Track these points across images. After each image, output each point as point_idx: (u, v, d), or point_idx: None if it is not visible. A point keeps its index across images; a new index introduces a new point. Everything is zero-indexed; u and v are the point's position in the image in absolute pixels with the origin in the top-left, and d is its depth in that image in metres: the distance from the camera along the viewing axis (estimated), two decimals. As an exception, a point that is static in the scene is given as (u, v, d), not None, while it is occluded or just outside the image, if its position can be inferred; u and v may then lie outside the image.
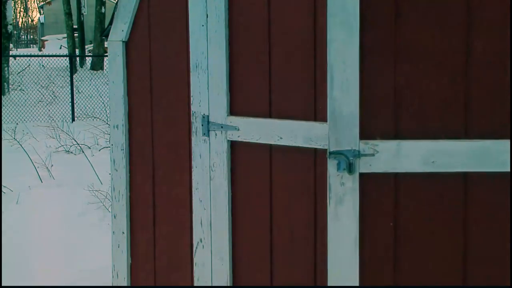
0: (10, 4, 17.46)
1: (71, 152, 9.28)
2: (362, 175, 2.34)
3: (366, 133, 2.33)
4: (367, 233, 2.37)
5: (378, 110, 2.33)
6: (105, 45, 23.86)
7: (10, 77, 17.69)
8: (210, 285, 3.00)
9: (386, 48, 2.32)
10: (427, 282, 2.37)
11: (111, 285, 3.41)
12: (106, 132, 9.88)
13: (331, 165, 2.35)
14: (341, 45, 2.31)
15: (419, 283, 2.37)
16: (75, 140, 9.41)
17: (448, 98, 2.31)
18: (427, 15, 2.30)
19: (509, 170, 2.27)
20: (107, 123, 10.69)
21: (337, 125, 2.35)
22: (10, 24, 17.43)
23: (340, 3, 2.31)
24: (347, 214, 2.37)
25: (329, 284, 2.47)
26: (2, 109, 13.49)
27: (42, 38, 49.69)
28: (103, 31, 21.98)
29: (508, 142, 2.27)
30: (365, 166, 2.34)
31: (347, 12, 2.30)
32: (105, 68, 23.69)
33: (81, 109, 14.11)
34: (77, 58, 25.46)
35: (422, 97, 2.31)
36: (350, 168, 2.33)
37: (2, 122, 11.85)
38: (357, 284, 2.38)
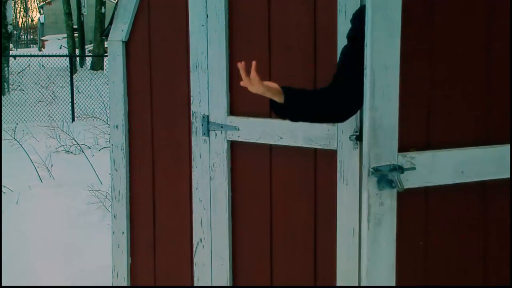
0: (10, 4, 17.45)
1: (71, 152, 9.28)
2: (399, 192, 2.13)
3: (402, 145, 2.12)
4: (400, 254, 2.19)
5: (411, 119, 2.17)
6: (105, 45, 23.85)
7: (10, 77, 17.68)
8: (210, 285, 3.00)
9: (418, 53, 2.20)
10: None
11: (111, 285, 3.41)
12: (106, 132, 9.87)
13: (372, 184, 2.08)
14: (383, 47, 2.06)
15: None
16: (75, 140, 9.41)
17: (471, 105, 2.26)
18: (456, 21, 2.24)
19: (509, 176, 2.26)
20: (107, 123, 10.68)
21: (378, 138, 2.08)
22: (10, 24, 17.42)
23: (384, 3, 2.07)
24: (385, 237, 2.13)
25: None
26: (2, 109, 13.49)
27: (42, 38, 49.66)
28: (103, 31, 21.96)
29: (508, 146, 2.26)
30: (403, 181, 2.11)
31: (390, 8, 2.05)
32: (105, 68, 23.68)
33: (81, 109, 14.10)
34: (77, 58, 25.44)
35: (450, 103, 2.23)
36: (391, 185, 2.09)
37: (2, 122, 11.85)
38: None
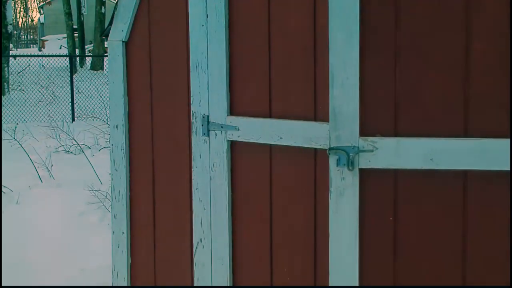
0: (10, 4, 17.46)
1: (71, 152, 9.29)
2: (362, 171, 2.40)
3: (366, 131, 2.38)
4: (368, 226, 2.43)
5: (379, 108, 2.38)
6: (105, 45, 23.87)
7: (10, 77, 17.69)
8: (210, 285, 3.00)
9: (387, 48, 2.36)
10: (426, 275, 2.40)
11: (111, 285, 3.41)
12: (106, 132, 9.88)
13: (332, 161, 2.41)
14: (341, 45, 2.36)
15: (418, 276, 2.41)
16: (75, 140, 9.41)
17: (447, 97, 2.34)
18: (426, 16, 2.33)
19: (508, 168, 2.29)
20: (107, 123, 10.69)
21: (338, 122, 2.41)
22: (10, 24, 17.43)
23: (341, 5, 2.35)
24: (348, 208, 2.43)
25: (330, 273, 2.53)
26: (2, 109, 13.50)
27: (42, 38, 49.69)
28: (103, 31, 21.97)
29: (507, 141, 2.28)
30: (365, 162, 2.39)
31: (347, 13, 2.35)
32: (105, 68, 23.70)
33: (81, 109, 14.11)
34: (77, 58, 25.46)
35: (422, 96, 2.35)
36: (350, 164, 2.37)
37: (2, 122, 11.85)
38: (357, 274, 2.46)
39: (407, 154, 2.36)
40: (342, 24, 2.36)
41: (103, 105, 13.89)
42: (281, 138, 2.73)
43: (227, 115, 2.88)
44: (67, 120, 13.12)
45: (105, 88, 14.88)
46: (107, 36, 3.42)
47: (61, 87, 16.81)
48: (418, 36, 2.34)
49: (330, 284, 2.56)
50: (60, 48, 37.58)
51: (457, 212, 2.37)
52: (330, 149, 2.40)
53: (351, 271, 2.47)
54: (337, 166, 2.39)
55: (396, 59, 2.35)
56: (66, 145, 9.50)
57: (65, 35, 30.87)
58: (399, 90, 2.36)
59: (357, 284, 2.50)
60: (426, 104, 2.35)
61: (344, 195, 2.44)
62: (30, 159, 7.90)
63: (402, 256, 2.42)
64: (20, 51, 47.05)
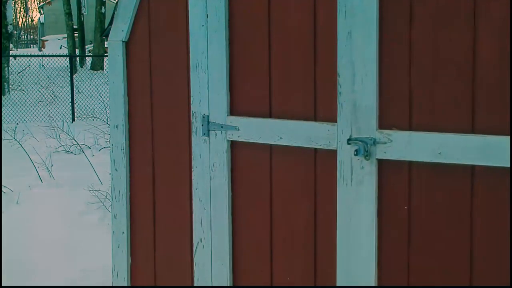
0: (10, 4, 17.47)
1: (71, 152, 9.29)
2: (379, 161, 2.55)
3: (383, 124, 2.54)
4: (385, 213, 2.57)
5: (394, 104, 2.52)
6: (105, 45, 23.87)
7: (10, 77, 17.69)
8: (210, 285, 3.01)
9: (401, 47, 2.49)
10: (437, 260, 2.50)
11: (111, 285, 3.41)
12: (106, 132, 9.88)
13: (351, 151, 2.58)
14: (361, 45, 2.52)
15: (430, 261, 2.52)
16: (75, 140, 9.42)
17: (456, 95, 2.42)
18: (437, 18, 2.43)
19: (508, 165, 2.33)
20: (107, 123, 10.69)
21: (357, 116, 2.56)
22: (10, 24, 17.43)
23: (361, 6, 2.51)
24: (366, 194, 2.58)
25: (349, 256, 2.63)
26: (2, 109, 13.50)
27: (42, 38, 49.70)
28: (103, 31, 21.97)
29: (507, 138, 2.32)
30: (381, 153, 2.54)
31: (367, 13, 2.51)
32: (105, 68, 23.70)
33: (81, 109, 14.12)
34: (77, 58, 25.46)
35: (433, 94, 2.46)
36: (367, 154, 2.53)
37: (2, 122, 11.86)
38: (375, 254, 2.59)
39: (417, 147, 2.48)
40: (362, 23, 2.52)
41: (103, 105, 13.89)
42: (281, 138, 2.73)
43: (227, 115, 2.88)
44: (67, 120, 13.13)
45: (105, 88, 14.89)
46: (107, 36, 3.43)
47: (61, 87, 16.81)
48: (430, 36, 2.44)
49: (346, 268, 2.64)
50: (60, 48, 37.59)
51: (464, 204, 2.45)
52: (349, 139, 2.56)
53: (370, 250, 2.58)
54: (355, 155, 2.55)
55: (410, 58, 2.48)
56: (66, 145, 9.51)
57: (65, 35, 30.89)
58: (412, 87, 2.49)
59: (374, 269, 2.58)
60: (437, 100, 2.45)
61: (363, 183, 2.57)
62: (30, 159, 7.90)
63: (415, 243, 2.54)
64: (20, 51, 47.05)
